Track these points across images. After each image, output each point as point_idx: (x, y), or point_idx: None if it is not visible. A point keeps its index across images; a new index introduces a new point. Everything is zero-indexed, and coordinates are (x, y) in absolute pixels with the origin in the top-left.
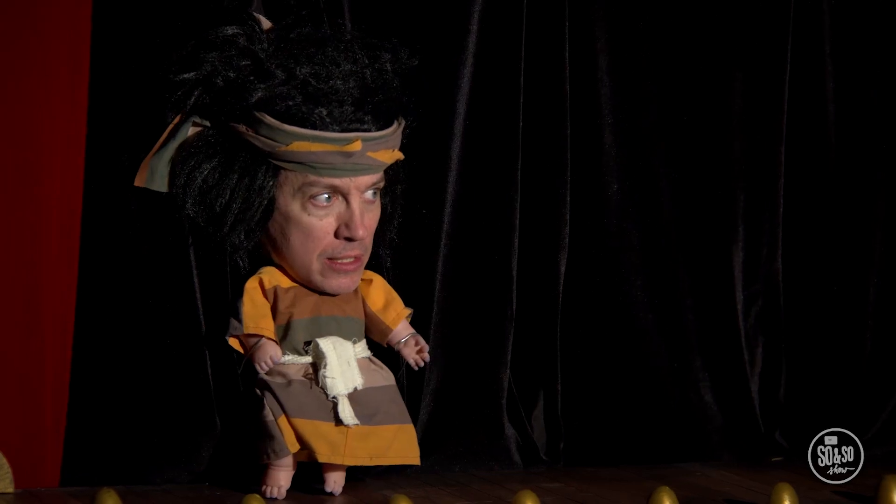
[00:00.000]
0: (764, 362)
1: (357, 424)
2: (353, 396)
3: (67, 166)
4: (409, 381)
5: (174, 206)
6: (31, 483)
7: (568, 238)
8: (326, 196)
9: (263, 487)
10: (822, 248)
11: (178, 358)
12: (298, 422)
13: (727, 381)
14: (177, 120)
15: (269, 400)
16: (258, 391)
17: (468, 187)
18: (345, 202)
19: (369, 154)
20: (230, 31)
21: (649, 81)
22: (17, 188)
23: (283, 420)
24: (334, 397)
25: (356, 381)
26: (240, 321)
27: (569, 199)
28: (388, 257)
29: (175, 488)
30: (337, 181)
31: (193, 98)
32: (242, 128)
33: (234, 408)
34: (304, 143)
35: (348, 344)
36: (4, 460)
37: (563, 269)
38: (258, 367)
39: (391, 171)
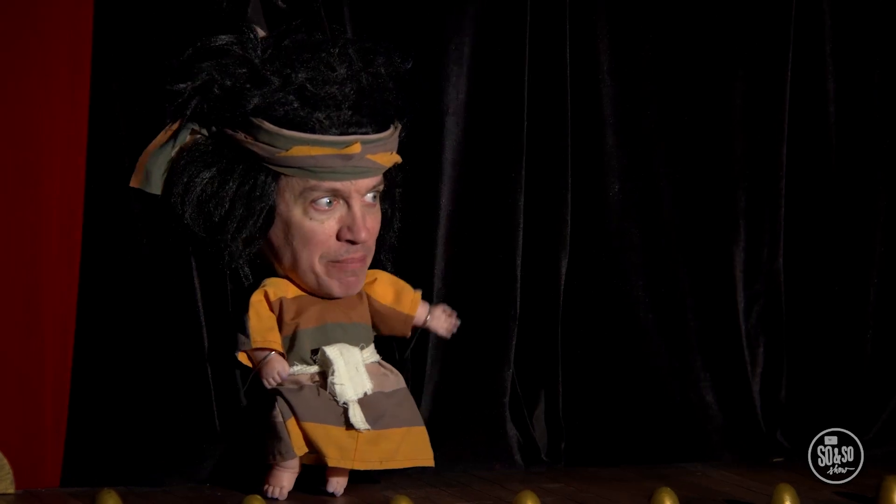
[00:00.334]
0: (765, 362)
1: (368, 429)
2: (363, 401)
3: (68, 166)
4: (410, 381)
5: (173, 215)
6: (31, 483)
7: (569, 238)
8: (327, 200)
9: (266, 487)
10: (823, 248)
11: (178, 358)
12: (309, 425)
13: (728, 380)
14: (175, 126)
15: (279, 401)
16: (270, 391)
17: (472, 187)
18: (346, 206)
19: (369, 156)
20: (225, 39)
21: (650, 82)
22: (17, 188)
23: (291, 422)
24: (345, 402)
25: (365, 385)
26: (247, 336)
27: (570, 199)
28: (388, 262)
29: (175, 489)
30: (337, 185)
31: (191, 107)
32: (241, 135)
33: (234, 408)
34: (304, 147)
35: (356, 350)
36: (5, 461)
37: (564, 269)
38: (265, 383)
39: (390, 175)
